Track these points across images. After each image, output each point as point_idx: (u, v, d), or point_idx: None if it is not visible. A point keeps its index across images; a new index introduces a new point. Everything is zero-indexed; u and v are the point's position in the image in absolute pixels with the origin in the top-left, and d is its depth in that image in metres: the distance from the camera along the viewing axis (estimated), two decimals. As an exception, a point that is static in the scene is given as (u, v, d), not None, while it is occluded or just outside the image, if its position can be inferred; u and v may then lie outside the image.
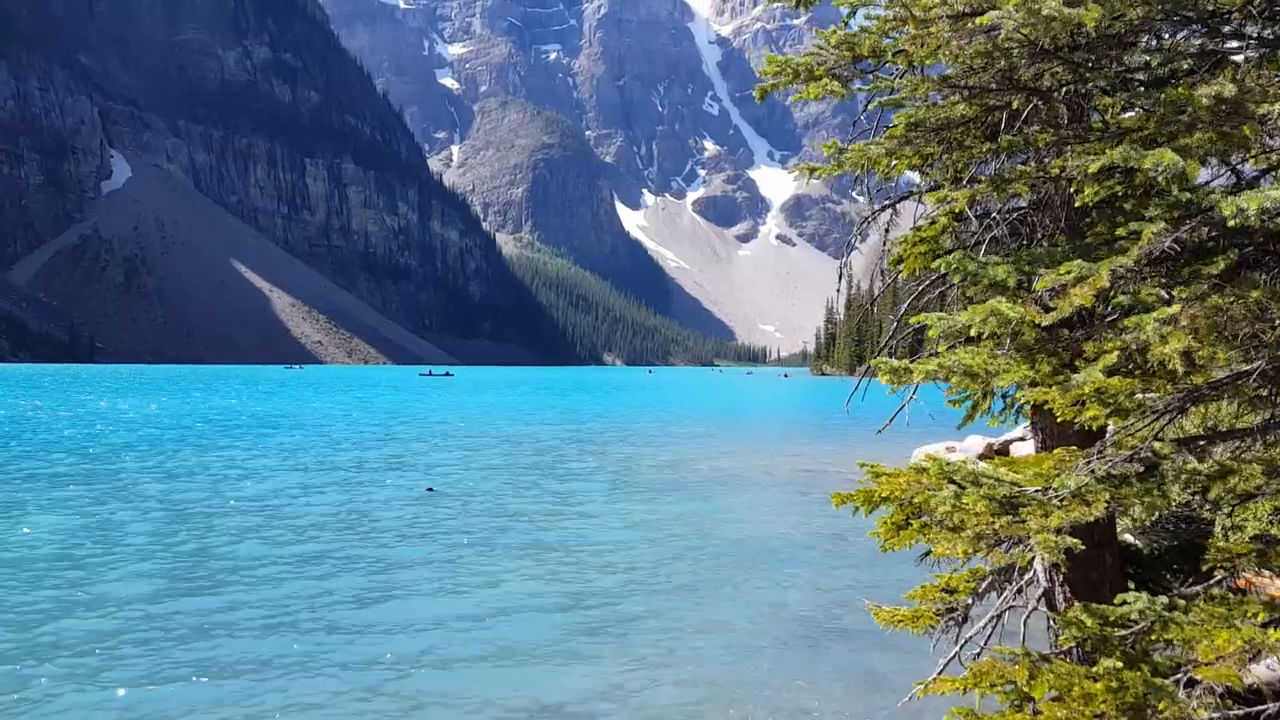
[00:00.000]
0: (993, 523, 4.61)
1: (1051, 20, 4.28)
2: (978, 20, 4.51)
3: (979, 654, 5.65)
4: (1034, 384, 5.02)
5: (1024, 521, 4.55)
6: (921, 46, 4.90)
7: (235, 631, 10.33)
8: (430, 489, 21.30)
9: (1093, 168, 4.43)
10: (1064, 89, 5.16)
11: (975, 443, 24.01)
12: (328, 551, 14.43)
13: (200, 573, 12.90)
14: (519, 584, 12.61)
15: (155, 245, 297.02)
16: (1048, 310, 4.68)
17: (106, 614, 10.81)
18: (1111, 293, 4.64)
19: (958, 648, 5.90)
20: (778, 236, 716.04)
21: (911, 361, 5.38)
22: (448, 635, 10.37)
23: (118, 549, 14.31)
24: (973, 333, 4.81)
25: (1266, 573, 5.28)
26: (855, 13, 5.44)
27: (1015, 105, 5.27)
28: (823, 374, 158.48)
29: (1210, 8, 4.71)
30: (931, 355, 5.51)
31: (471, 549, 14.85)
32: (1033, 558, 5.43)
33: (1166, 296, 4.42)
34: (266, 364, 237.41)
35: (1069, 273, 4.43)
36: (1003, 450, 22.56)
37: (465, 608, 11.44)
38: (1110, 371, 4.66)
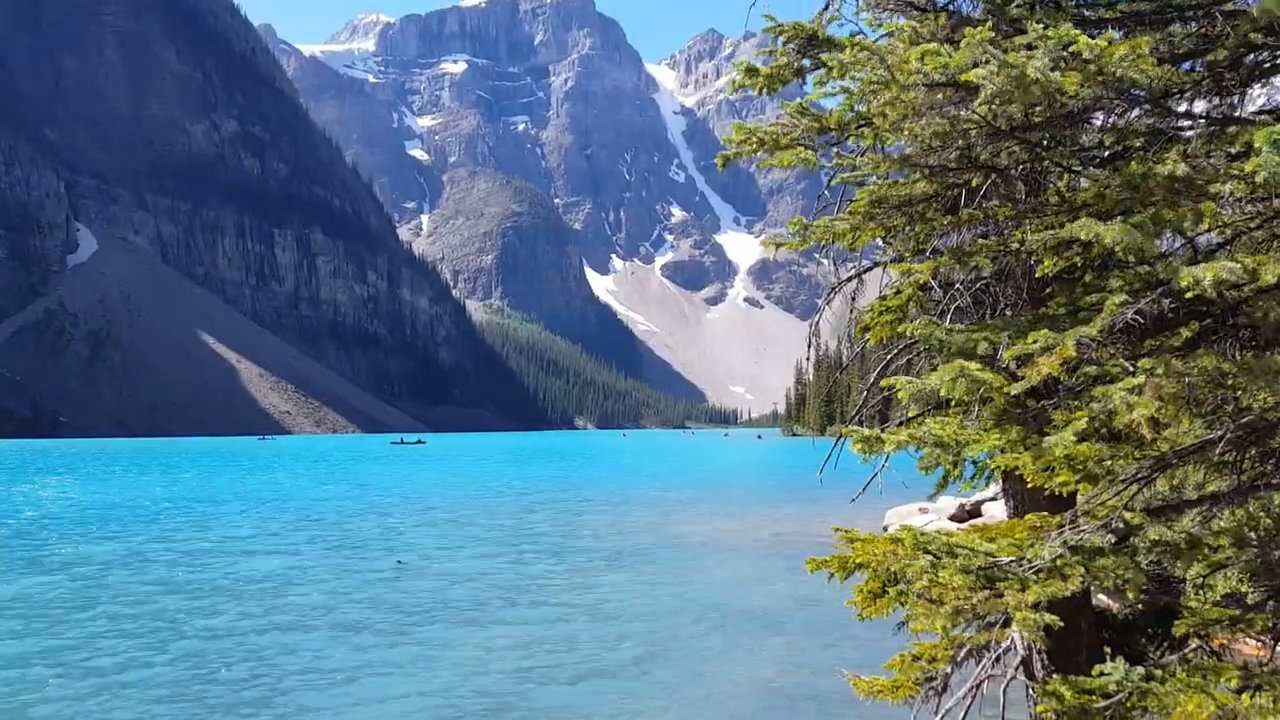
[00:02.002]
0: (970, 597, 4.63)
1: (1032, 84, 4.36)
2: (962, 78, 4.56)
3: (960, 725, 5.59)
4: (1003, 449, 5.04)
5: (1002, 596, 4.58)
6: (888, 116, 4.98)
7: (200, 705, 10.01)
8: (400, 561, 20.96)
9: (1053, 241, 4.53)
10: (1021, 166, 5.28)
11: (947, 503, 24.05)
12: (292, 625, 14.09)
13: (160, 649, 12.53)
14: (488, 655, 12.38)
15: (121, 318, 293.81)
16: (1015, 379, 4.71)
17: (73, 684, 10.45)
18: (1078, 363, 4.68)
19: (937, 718, 5.84)
20: (746, 299, 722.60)
21: (882, 430, 5.42)
22: (414, 707, 10.12)
23: (85, 625, 13.88)
24: (943, 394, 4.83)
25: (1240, 635, 5.33)
26: (839, 74, 5.47)
27: (974, 183, 5.37)
28: (794, 435, 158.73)
29: (1161, 87, 4.83)
30: (902, 424, 5.58)
31: (441, 621, 14.57)
32: (1010, 628, 5.49)
33: (1130, 367, 4.49)
34: (233, 435, 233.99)
35: (1035, 342, 4.50)
36: (974, 510, 22.60)
37: (433, 680, 11.19)
38: (1080, 437, 4.68)
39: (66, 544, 24.59)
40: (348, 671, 11.81)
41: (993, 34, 4.60)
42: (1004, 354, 4.71)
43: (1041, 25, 4.59)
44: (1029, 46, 4.50)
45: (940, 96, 4.81)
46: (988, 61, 4.47)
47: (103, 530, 28.09)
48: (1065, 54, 4.38)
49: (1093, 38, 5.10)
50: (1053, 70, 4.39)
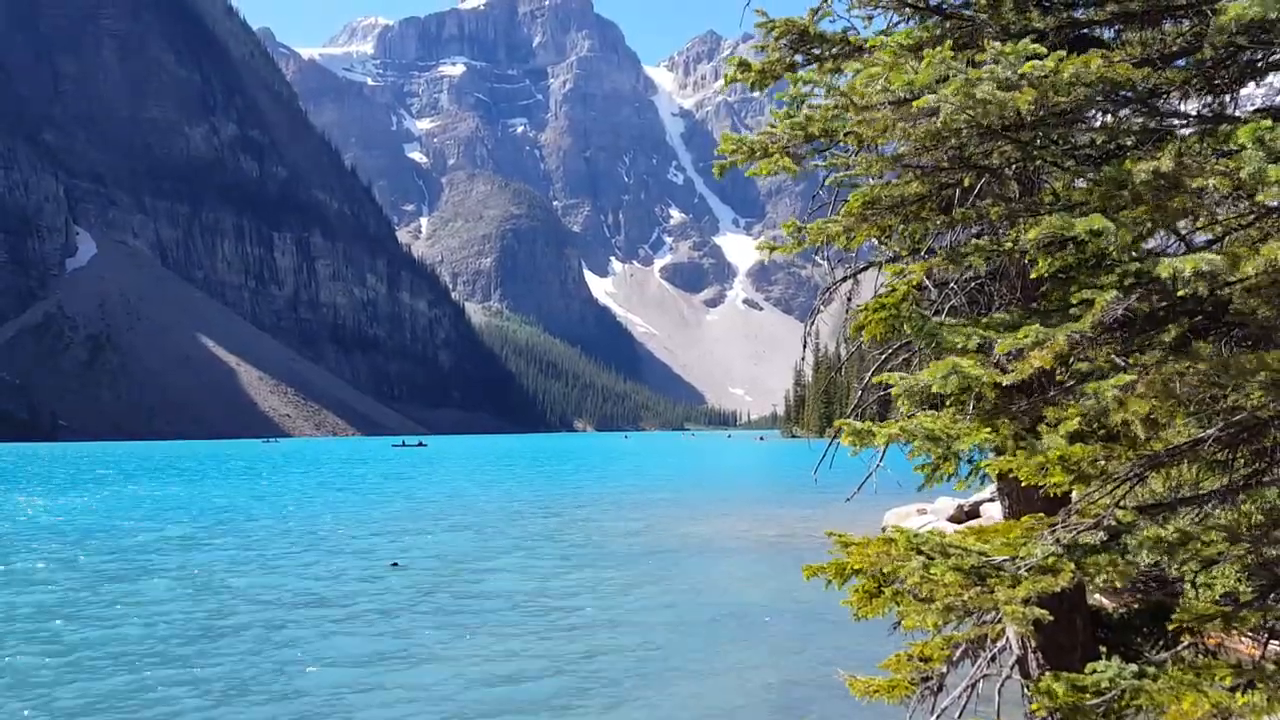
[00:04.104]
0: (961, 594, 4.64)
1: (987, 104, 4.44)
2: (915, 104, 4.62)
3: (955, 724, 5.61)
4: (997, 450, 5.05)
5: (992, 592, 4.59)
6: (868, 128, 5.02)
7: (196, 708, 10.00)
8: (394, 563, 20.93)
9: (1030, 234, 4.56)
10: (1013, 165, 5.30)
11: (946, 505, 24.06)
12: (286, 626, 14.08)
13: (157, 650, 12.52)
14: (484, 659, 12.36)
15: (120, 321, 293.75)
16: (1006, 373, 4.74)
17: (58, 691, 10.45)
18: (1070, 358, 4.71)
19: (933, 717, 5.85)
20: (745, 301, 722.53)
21: (874, 425, 5.43)
22: (409, 707, 10.11)
23: (77, 629, 13.88)
24: (934, 389, 4.85)
25: (1235, 632, 5.34)
26: (803, 102, 5.58)
27: (967, 182, 5.38)
28: (793, 436, 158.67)
29: (1149, 86, 4.84)
30: (894, 419, 5.60)
31: (435, 624, 14.56)
32: (1004, 626, 5.46)
33: (1122, 364, 4.51)
34: (233, 438, 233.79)
35: (1026, 337, 4.53)
36: (973, 512, 22.60)
37: (428, 683, 11.18)
38: (1073, 437, 4.71)
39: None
40: (347, 672, 11.80)
41: (953, 52, 4.62)
42: (997, 349, 4.72)
43: (1001, 42, 4.64)
44: (994, 60, 4.54)
45: (912, 110, 4.84)
46: (953, 76, 4.50)
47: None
48: (1020, 70, 4.42)
49: (1084, 39, 5.25)
50: (1009, 88, 4.44)
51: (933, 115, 4.71)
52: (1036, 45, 4.50)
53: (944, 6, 5.61)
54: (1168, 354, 4.47)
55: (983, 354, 4.96)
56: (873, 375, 6.96)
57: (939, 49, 4.60)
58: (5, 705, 10.48)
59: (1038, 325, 4.55)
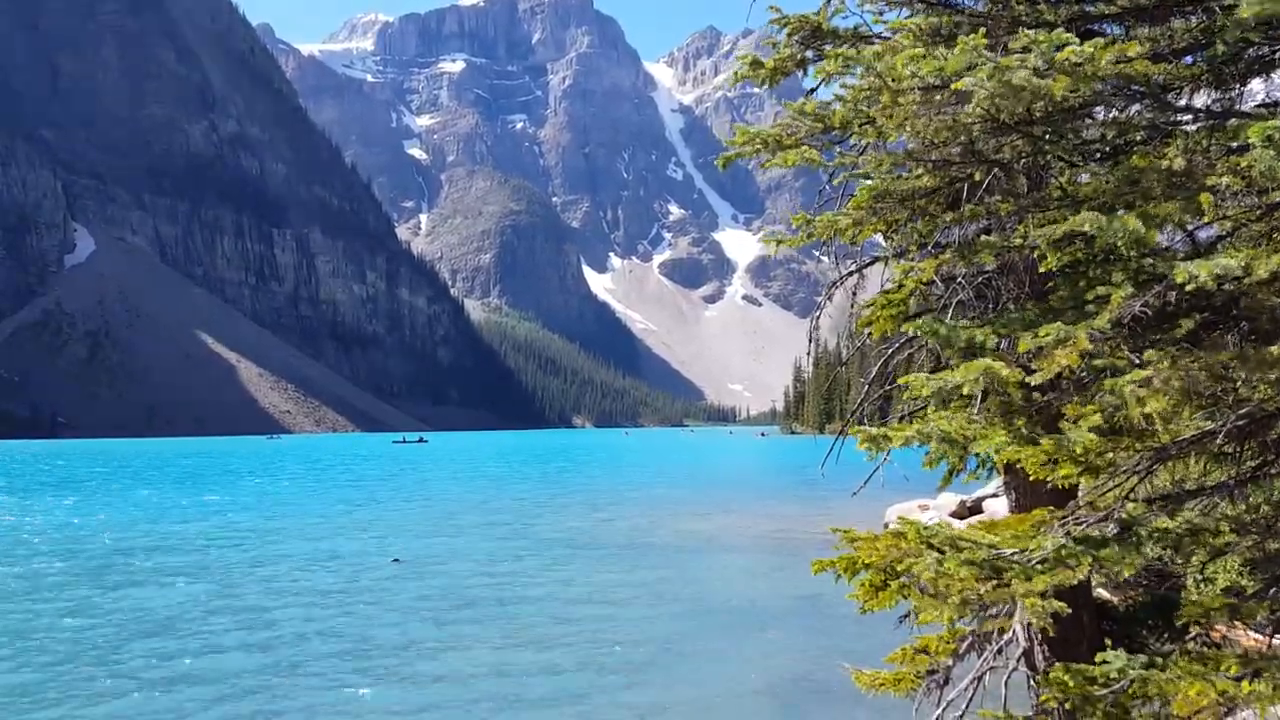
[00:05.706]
0: (976, 588, 4.66)
1: (1021, 90, 4.45)
2: (953, 87, 4.63)
3: (961, 716, 5.62)
4: (1012, 444, 5.05)
5: (1008, 585, 4.60)
6: (891, 117, 5.03)
7: (195, 710, 10.02)
8: (396, 560, 20.96)
9: (1057, 233, 4.57)
10: (1023, 160, 5.31)
11: (948, 500, 24.08)
12: (290, 624, 14.11)
13: (153, 648, 12.54)
14: (489, 655, 12.40)
15: (119, 318, 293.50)
16: (1028, 372, 4.73)
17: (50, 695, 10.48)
18: (1092, 356, 4.70)
19: (939, 710, 5.87)
20: (744, 297, 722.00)
21: (889, 428, 5.41)
22: (408, 708, 10.14)
23: (77, 629, 13.91)
24: (965, 391, 4.85)
25: (1239, 625, 5.34)
26: (830, 81, 5.54)
27: (977, 176, 5.40)
28: (793, 432, 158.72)
29: (1161, 80, 4.88)
30: (906, 420, 5.60)
31: (438, 621, 14.58)
32: (1011, 619, 5.50)
33: (1137, 360, 4.54)
34: (233, 435, 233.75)
35: (1048, 335, 4.52)
36: (975, 507, 22.63)
37: (432, 679, 11.20)
38: (1095, 432, 4.71)
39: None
40: (347, 669, 11.83)
41: (987, 40, 4.65)
42: (1019, 347, 4.71)
43: (1034, 30, 4.66)
44: (1024, 49, 4.54)
45: (938, 98, 4.85)
46: (982, 64, 4.51)
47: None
48: (1055, 58, 4.44)
49: (1092, 33, 5.25)
50: (1043, 76, 4.45)
51: (963, 102, 4.70)
52: (1069, 35, 4.50)
53: (954, 1, 5.68)
54: (1181, 348, 4.47)
55: (1002, 353, 4.94)
56: (878, 372, 6.98)
57: (972, 37, 4.59)
58: (15, 703, 10.52)
59: (1058, 324, 4.53)
